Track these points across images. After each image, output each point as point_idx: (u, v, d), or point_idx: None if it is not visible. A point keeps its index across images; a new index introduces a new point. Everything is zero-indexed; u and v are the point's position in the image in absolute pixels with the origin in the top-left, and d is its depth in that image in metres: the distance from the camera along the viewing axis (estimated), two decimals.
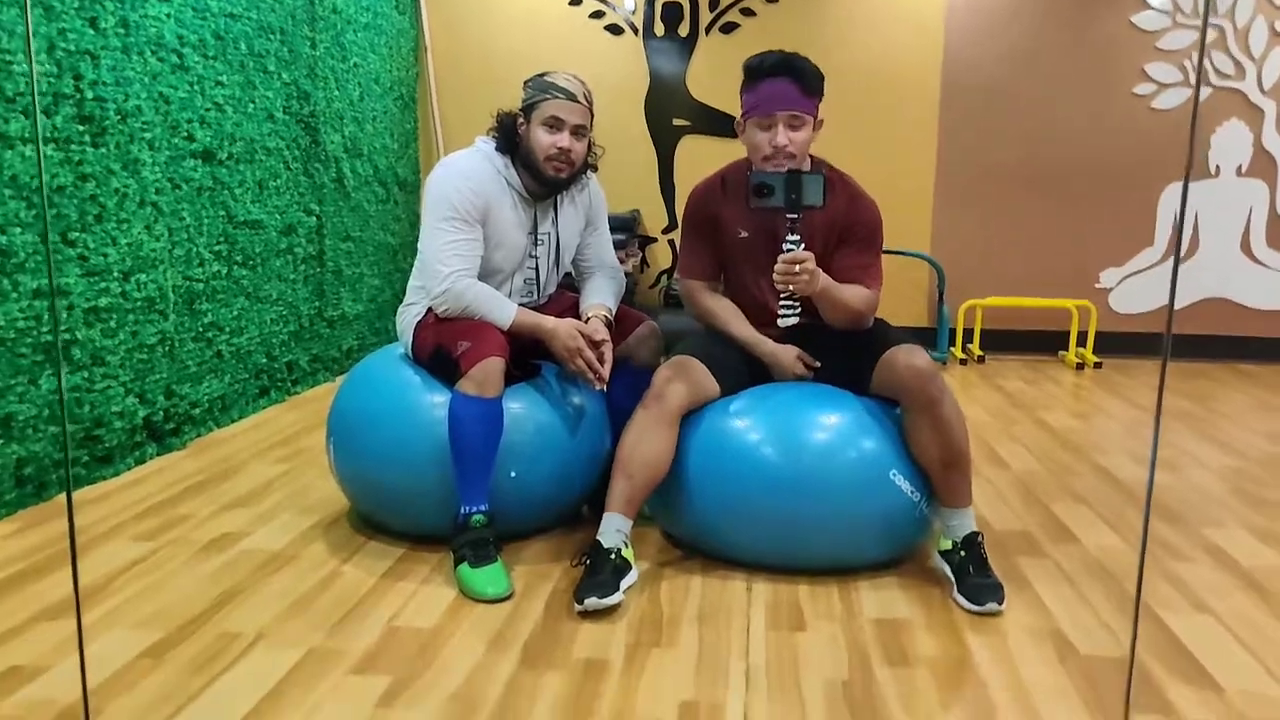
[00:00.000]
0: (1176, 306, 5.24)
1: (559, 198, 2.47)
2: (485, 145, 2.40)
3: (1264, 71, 5.00)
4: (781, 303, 2.15)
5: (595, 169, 2.50)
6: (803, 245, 2.13)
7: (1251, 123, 5.06)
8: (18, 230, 2.59)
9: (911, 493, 2.19)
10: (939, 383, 2.13)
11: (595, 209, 2.60)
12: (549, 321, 2.32)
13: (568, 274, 2.64)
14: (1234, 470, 3.19)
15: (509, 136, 2.38)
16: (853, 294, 2.26)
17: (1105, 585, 2.22)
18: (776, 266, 2.11)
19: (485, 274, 2.37)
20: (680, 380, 2.20)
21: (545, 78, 2.35)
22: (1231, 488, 3.00)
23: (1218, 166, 5.12)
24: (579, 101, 2.33)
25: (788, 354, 2.34)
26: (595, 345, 2.32)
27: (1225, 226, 5.15)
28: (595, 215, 2.60)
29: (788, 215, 2.13)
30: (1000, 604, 2.05)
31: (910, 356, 2.14)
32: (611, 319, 2.46)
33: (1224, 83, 5.05)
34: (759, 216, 2.30)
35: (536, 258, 2.47)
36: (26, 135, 2.61)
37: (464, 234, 2.29)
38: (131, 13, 3.00)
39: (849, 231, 2.33)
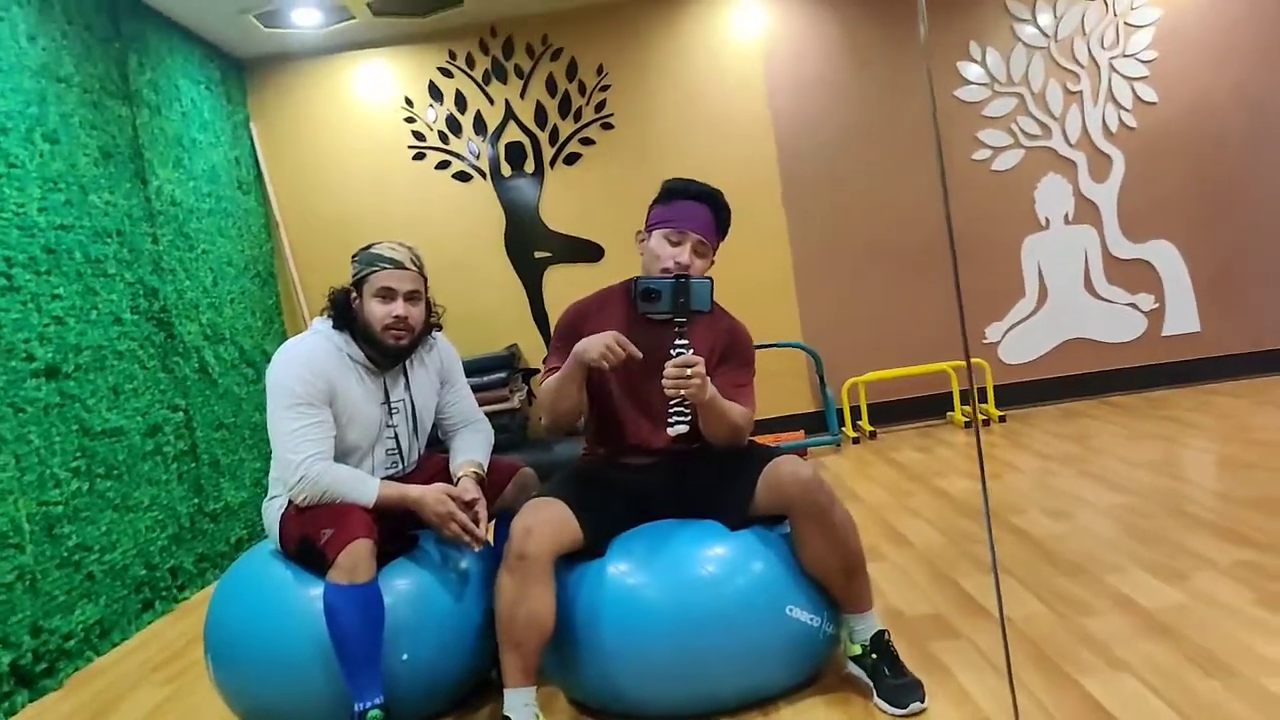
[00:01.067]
0: (1043, 351, 5.47)
1: (408, 363, 2.43)
2: (322, 325, 2.37)
3: (1067, 127, 5.38)
4: (671, 408, 2.10)
5: (440, 327, 2.48)
6: (691, 350, 2.09)
7: (1067, 175, 5.41)
8: None
9: (811, 619, 2.15)
10: (826, 490, 2.11)
11: (448, 366, 2.56)
12: (414, 490, 2.25)
13: (435, 438, 2.58)
14: (1122, 507, 3.28)
15: (343, 313, 2.35)
16: (734, 409, 2.25)
17: (1026, 656, 2.21)
18: (667, 370, 2.06)
19: (343, 453, 2.30)
20: (540, 528, 2.07)
21: (371, 250, 2.35)
22: (1123, 527, 3.07)
23: (1047, 219, 5.43)
24: (407, 268, 2.33)
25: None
26: (468, 506, 2.26)
27: (1067, 271, 5.43)
28: (449, 373, 2.57)
29: (675, 320, 2.11)
30: (923, 702, 2.02)
31: (794, 467, 2.12)
32: (483, 474, 2.41)
33: (1035, 142, 5.41)
34: (638, 330, 2.24)
35: (394, 426, 2.41)
36: None
37: (310, 418, 2.23)
38: None
39: (728, 352, 2.34)
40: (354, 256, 2.38)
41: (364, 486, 2.22)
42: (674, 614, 2.07)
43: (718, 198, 2.30)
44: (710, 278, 2.19)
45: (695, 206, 2.26)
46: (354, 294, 2.34)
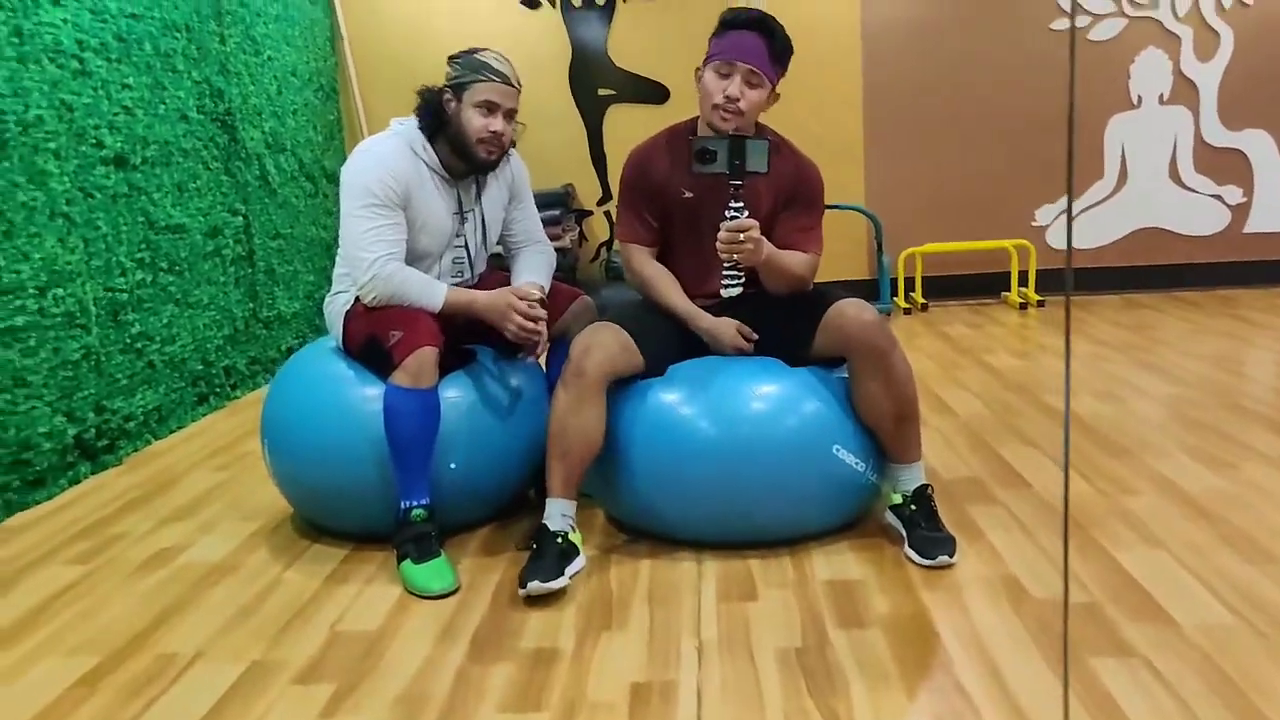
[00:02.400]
0: (1112, 239, 5.29)
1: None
2: (401, 127, 2.33)
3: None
4: (725, 272, 2.09)
5: (514, 144, 2.43)
6: (746, 213, 2.06)
7: (1169, 50, 5.08)
8: None
9: (856, 464, 2.16)
10: (888, 333, 2.10)
11: (519, 183, 2.54)
12: (482, 298, 2.28)
13: (497, 254, 2.58)
14: (1175, 397, 3.23)
15: (436, 114, 2.29)
16: (794, 260, 2.22)
17: (1057, 527, 2.22)
18: (720, 235, 2.04)
19: (412, 258, 2.30)
20: (598, 349, 2.10)
21: (476, 56, 2.28)
22: (1173, 414, 3.03)
23: (1139, 97, 5.15)
24: (512, 85, 2.29)
25: (726, 328, 2.27)
26: (532, 310, 2.27)
27: (1152, 156, 5.18)
28: (519, 189, 2.54)
29: (731, 182, 2.06)
30: (951, 556, 2.04)
31: (857, 310, 2.11)
32: (544, 295, 2.41)
33: (1139, 12, 5.07)
34: (703, 178, 2.20)
35: (464, 236, 2.41)
36: None
37: (385, 219, 2.22)
38: (25, 20, 2.86)
39: (793, 197, 2.30)
40: (453, 58, 2.31)
41: (432, 291, 2.23)
42: (720, 442, 2.10)
43: (770, 23, 2.20)
44: (767, 139, 2.13)
45: (746, 36, 2.17)
46: (450, 97, 2.28)
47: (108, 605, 2.08)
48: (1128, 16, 5.07)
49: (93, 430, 3.09)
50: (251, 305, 4.20)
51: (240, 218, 4.13)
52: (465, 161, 2.31)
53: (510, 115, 2.30)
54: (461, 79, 2.27)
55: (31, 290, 2.85)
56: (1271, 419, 2.91)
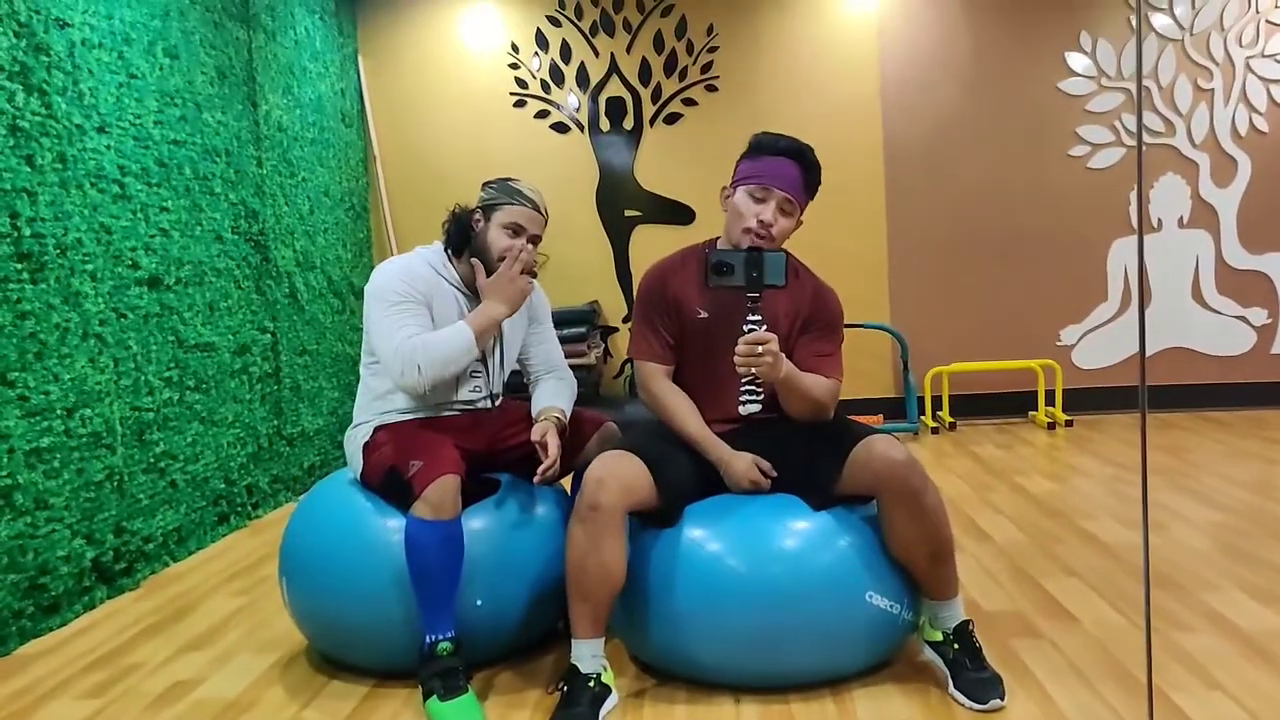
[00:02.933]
0: (1124, 357, 5.26)
1: None
2: (424, 250, 2.41)
3: (1193, 126, 5.13)
4: (743, 387, 2.02)
5: (535, 274, 2.45)
6: (764, 326, 2.02)
7: (1187, 176, 5.16)
8: None
9: (891, 607, 2.08)
10: (920, 472, 2.01)
11: (537, 307, 2.58)
12: (486, 293, 2.29)
13: (516, 373, 2.57)
14: (1219, 525, 3.14)
15: (462, 231, 2.38)
16: (815, 383, 2.16)
17: (1108, 667, 2.13)
18: (738, 348, 1.99)
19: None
20: (613, 481, 2.02)
21: (510, 184, 2.38)
22: (1220, 545, 2.93)
23: (1159, 220, 5.20)
24: (540, 213, 2.38)
25: (742, 461, 2.17)
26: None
27: (1175, 277, 5.21)
28: (539, 313, 2.58)
29: (748, 295, 2.02)
30: (1003, 699, 1.95)
31: (887, 447, 2.02)
32: (565, 422, 2.39)
33: (1156, 139, 5.17)
34: (720, 297, 2.19)
35: (481, 354, 2.40)
36: None
37: (410, 312, 2.27)
38: (69, 147, 2.95)
39: (811, 320, 2.26)
40: (488, 183, 2.40)
41: (458, 330, 2.25)
42: (751, 586, 2.02)
43: (808, 154, 2.21)
44: (785, 251, 2.11)
45: (783, 163, 2.18)
46: (479, 217, 2.37)
47: None
48: (1126, 145, 5.15)
49: (111, 553, 3.04)
50: (276, 422, 4.19)
51: (269, 335, 4.16)
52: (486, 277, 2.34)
53: (534, 241, 2.36)
54: (494, 201, 2.35)
55: (60, 411, 2.85)
56: None
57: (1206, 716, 1.87)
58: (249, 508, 3.93)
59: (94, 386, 3.01)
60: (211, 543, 3.60)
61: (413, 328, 2.24)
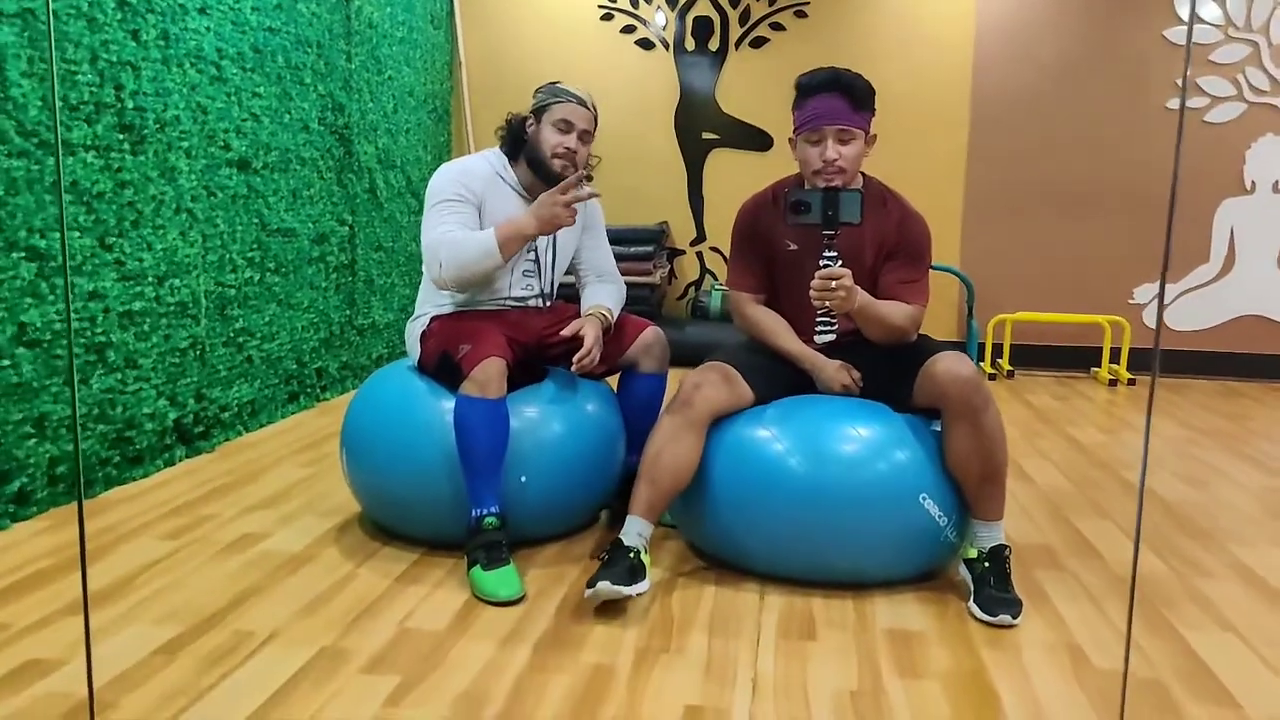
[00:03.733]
0: (1213, 324, 5.15)
1: None
2: (487, 152, 2.53)
3: None
4: (818, 319, 2.13)
5: (591, 177, 2.52)
6: (840, 262, 2.10)
7: None
8: (74, 234, 2.68)
9: (940, 517, 2.16)
10: (984, 391, 2.10)
11: (591, 215, 2.66)
12: (523, 217, 2.33)
13: (567, 283, 2.65)
14: (1266, 489, 3.12)
15: (516, 136, 2.48)
16: (894, 310, 2.25)
17: (1123, 597, 2.18)
18: (813, 283, 2.09)
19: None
20: (710, 387, 2.19)
21: (557, 84, 2.48)
22: (1265, 507, 2.93)
23: (1253, 182, 5.04)
24: (587, 108, 2.46)
25: (832, 366, 2.31)
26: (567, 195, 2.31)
27: (1262, 243, 5.06)
28: (592, 221, 2.66)
29: (824, 232, 2.11)
30: (1014, 618, 2.02)
31: (955, 364, 2.12)
32: (610, 321, 2.50)
33: (1259, 98, 4.98)
34: (805, 230, 2.28)
35: (535, 248, 2.51)
36: (87, 141, 2.71)
37: (456, 211, 2.39)
38: (172, 25, 3.08)
39: (897, 247, 2.33)
40: (537, 90, 2.50)
41: (484, 236, 2.32)
42: (807, 478, 2.12)
43: (845, 79, 2.24)
44: (860, 190, 2.16)
45: (824, 99, 2.23)
46: (531, 120, 2.47)
47: (192, 581, 2.19)
48: (1248, 101, 4.98)
49: (191, 416, 3.25)
50: (349, 312, 4.37)
51: (347, 227, 4.31)
52: (540, 177, 2.44)
53: (585, 137, 2.45)
54: (542, 103, 2.45)
55: (151, 278, 3.03)
56: None
57: (1216, 655, 1.92)
58: (318, 389, 4.13)
59: (183, 259, 3.18)
60: (282, 418, 3.81)
61: (452, 225, 2.35)
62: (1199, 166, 5.04)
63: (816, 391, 2.33)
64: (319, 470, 3.11)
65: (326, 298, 4.16)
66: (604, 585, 1.97)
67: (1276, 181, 5.00)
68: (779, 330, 2.38)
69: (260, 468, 3.13)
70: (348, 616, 2.01)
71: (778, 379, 2.32)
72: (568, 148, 2.41)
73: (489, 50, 5.54)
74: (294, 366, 3.93)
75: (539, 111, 2.45)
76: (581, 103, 2.44)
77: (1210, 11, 4.96)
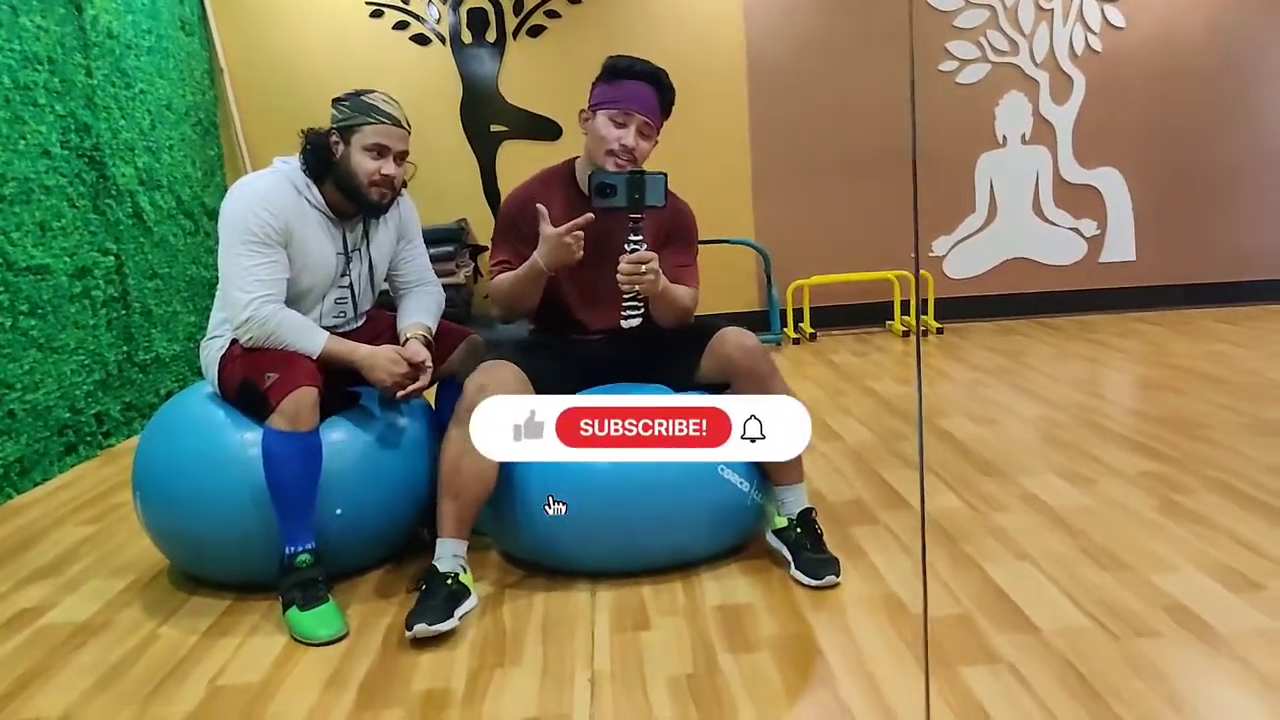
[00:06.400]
0: (986, 269, 5.56)
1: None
2: (284, 165, 2.28)
3: (1034, 46, 5.36)
4: (625, 303, 2.15)
5: (405, 185, 2.41)
6: (645, 245, 2.13)
7: (1029, 94, 5.41)
8: None
9: (741, 483, 2.22)
10: (769, 359, 2.20)
11: (407, 223, 2.50)
12: (363, 350, 2.23)
13: (384, 292, 2.54)
14: (1042, 418, 3.40)
15: (321, 157, 2.25)
16: (682, 293, 2.31)
17: (938, 543, 2.31)
18: (622, 267, 2.10)
19: (293, 298, 2.25)
20: (493, 387, 2.09)
21: (364, 98, 2.25)
22: (1042, 435, 3.19)
23: (1004, 136, 5.46)
24: (402, 127, 2.26)
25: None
26: (415, 369, 2.25)
27: (1018, 191, 5.49)
28: (408, 229, 2.50)
29: (630, 216, 2.12)
30: (837, 576, 2.10)
31: (741, 336, 2.21)
32: (431, 337, 2.39)
33: (1001, 58, 5.38)
34: (604, 214, 2.22)
35: (349, 277, 2.36)
36: None
37: (264, 258, 2.16)
38: None
39: (673, 234, 2.38)
40: (340, 100, 2.27)
41: (311, 336, 2.18)
42: (610, 471, 2.11)
43: (662, 77, 2.29)
44: (664, 173, 2.17)
45: (640, 87, 2.25)
46: (336, 139, 2.24)
47: None
48: (991, 62, 5.37)
49: None
50: (126, 348, 4.03)
51: (112, 257, 3.96)
52: (355, 204, 2.28)
53: (401, 158, 2.27)
54: (349, 121, 2.23)
55: None
56: (1125, 437, 3.09)
57: (1011, 582, 2.07)
58: (99, 436, 3.79)
59: None
60: (60, 473, 3.47)
61: (266, 283, 2.15)
62: (957, 125, 5.39)
63: (596, 383, 2.27)
64: (107, 525, 2.86)
65: (97, 336, 3.82)
66: (420, 627, 1.90)
67: (1024, 134, 5.44)
68: (523, 277, 2.24)
69: (36, 532, 2.84)
70: (149, 684, 1.85)
71: (564, 379, 2.23)
72: (385, 174, 2.22)
73: (251, 56, 5.23)
74: (67, 415, 3.58)
75: (345, 131, 2.23)
76: (396, 122, 2.24)
77: None
